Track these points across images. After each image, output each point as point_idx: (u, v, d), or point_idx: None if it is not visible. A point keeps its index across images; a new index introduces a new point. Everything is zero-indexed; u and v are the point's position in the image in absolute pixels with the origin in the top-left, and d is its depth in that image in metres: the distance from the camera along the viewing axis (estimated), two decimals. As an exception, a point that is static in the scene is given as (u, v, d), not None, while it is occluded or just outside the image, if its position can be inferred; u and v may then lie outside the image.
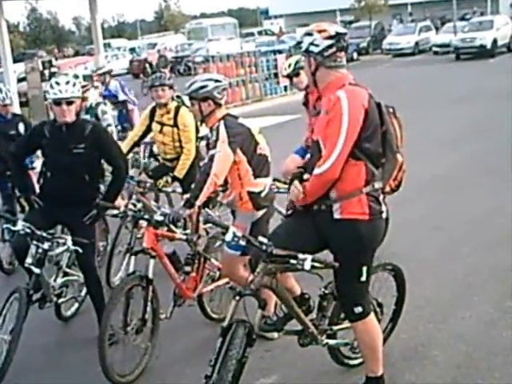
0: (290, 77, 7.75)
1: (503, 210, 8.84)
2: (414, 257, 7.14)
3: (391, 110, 4.41)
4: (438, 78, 26.45)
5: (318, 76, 4.40)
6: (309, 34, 4.36)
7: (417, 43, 41.23)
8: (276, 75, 25.98)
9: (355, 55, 40.59)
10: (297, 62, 7.57)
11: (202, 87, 5.46)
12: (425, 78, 26.93)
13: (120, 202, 6.54)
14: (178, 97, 7.88)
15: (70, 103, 5.68)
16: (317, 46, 4.31)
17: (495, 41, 34.30)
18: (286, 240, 4.39)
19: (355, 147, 4.20)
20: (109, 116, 9.79)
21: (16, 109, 12.99)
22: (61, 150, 5.76)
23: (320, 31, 4.33)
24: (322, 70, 4.36)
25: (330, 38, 4.31)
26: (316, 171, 4.26)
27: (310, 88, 7.62)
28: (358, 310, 4.44)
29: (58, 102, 5.68)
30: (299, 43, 4.45)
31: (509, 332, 5.50)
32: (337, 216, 4.31)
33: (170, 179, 7.57)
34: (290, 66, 7.65)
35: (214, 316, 6.13)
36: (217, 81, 5.56)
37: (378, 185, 4.34)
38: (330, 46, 4.30)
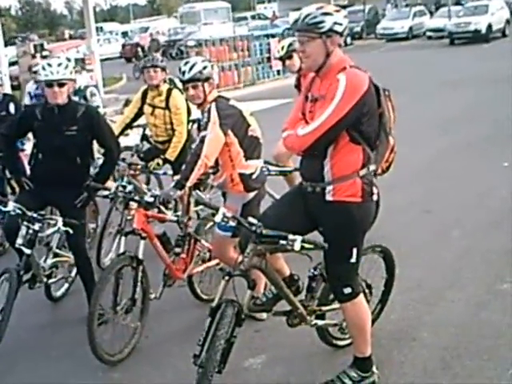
0: (282, 59, 7.72)
1: (494, 193, 8.87)
2: (404, 240, 7.15)
3: (387, 92, 4.38)
4: (432, 63, 26.42)
5: (331, 58, 4.22)
6: (327, 13, 4.15)
7: (411, 28, 41.14)
8: (269, 59, 25.97)
9: (349, 40, 40.45)
10: (290, 45, 7.54)
11: (205, 67, 5.43)
12: (418, 62, 26.90)
13: (111, 183, 6.53)
14: (170, 80, 7.85)
15: (61, 85, 5.66)
16: (340, 24, 4.18)
17: (490, 26, 34.22)
18: (276, 221, 4.39)
19: (355, 131, 4.18)
20: (98, 98, 9.75)
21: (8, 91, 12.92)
22: (53, 132, 5.74)
23: (337, 11, 4.20)
24: (335, 51, 4.23)
25: (345, 17, 4.25)
26: (299, 131, 4.22)
27: (302, 71, 7.61)
28: (348, 290, 4.44)
29: (49, 84, 5.65)
30: (316, 24, 4.13)
31: (498, 315, 5.52)
32: (329, 198, 4.30)
33: (161, 161, 7.55)
34: (282, 48, 7.63)
35: (203, 297, 6.15)
36: (209, 61, 5.57)
37: (372, 167, 4.34)
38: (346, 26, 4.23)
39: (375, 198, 4.38)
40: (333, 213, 4.32)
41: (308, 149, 4.22)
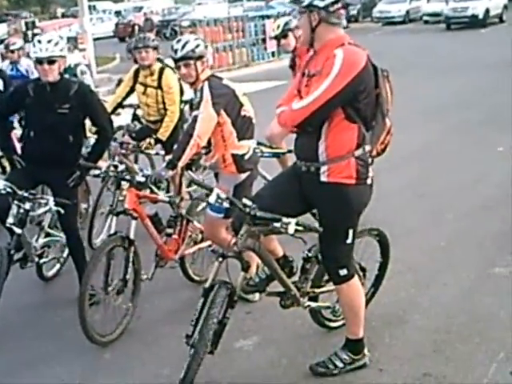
0: (277, 38, 7.68)
1: (488, 178, 8.88)
2: (397, 223, 7.13)
3: (385, 73, 4.32)
4: (428, 47, 26.37)
5: (318, 33, 4.20)
6: None
7: (407, 12, 40.97)
8: (264, 41, 25.87)
9: (345, 23, 40.20)
10: (286, 24, 7.49)
11: (198, 46, 5.37)
12: (414, 47, 26.86)
13: (102, 163, 6.49)
14: (160, 61, 7.78)
15: (51, 62, 5.59)
16: (322, 0, 4.14)
17: (487, 11, 34.08)
18: (271, 202, 4.37)
19: (351, 109, 4.14)
20: (88, 77, 9.65)
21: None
22: (45, 110, 5.68)
23: None
24: (324, 27, 4.18)
25: None
26: (293, 105, 4.19)
27: (297, 50, 7.57)
28: (343, 272, 4.43)
29: (39, 61, 5.59)
30: None
31: (490, 298, 5.52)
32: (323, 179, 4.26)
33: (152, 141, 7.51)
34: (278, 27, 7.57)
35: (195, 278, 6.13)
36: (202, 40, 5.53)
37: (367, 148, 4.30)
38: (335, 1, 4.16)
39: (369, 181, 4.35)
40: (327, 194, 4.29)
41: (301, 123, 4.18)
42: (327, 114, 4.13)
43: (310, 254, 4.78)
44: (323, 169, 4.25)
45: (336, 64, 4.05)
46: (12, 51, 9.90)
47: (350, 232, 4.34)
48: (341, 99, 4.08)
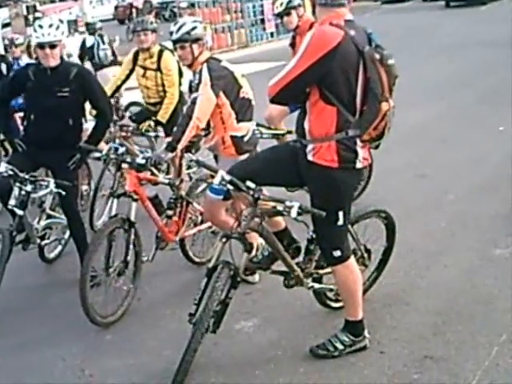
0: (280, 16, 7.65)
1: (489, 158, 8.86)
2: (398, 204, 7.10)
3: (378, 56, 4.22)
4: (427, 25, 26.25)
5: (317, 16, 4.34)
6: None
7: (407, -10, 40.73)
8: (262, 21, 25.77)
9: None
10: (289, 1, 7.46)
11: (194, 28, 5.40)
12: (413, 25, 26.74)
13: (103, 145, 6.49)
14: (160, 46, 7.77)
15: (53, 47, 5.60)
16: None
17: (487, -13, 33.80)
18: (265, 173, 4.45)
19: (325, 89, 4.14)
20: (75, 59, 9.65)
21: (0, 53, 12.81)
22: (45, 93, 5.71)
23: None
24: (318, 9, 4.29)
25: None
26: (270, 81, 4.28)
27: (298, 29, 7.55)
28: (337, 253, 4.43)
29: (41, 46, 5.60)
30: None
31: (491, 280, 5.51)
32: (310, 158, 4.29)
33: (152, 123, 7.50)
34: (281, 4, 7.54)
35: (195, 260, 6.14)
36: (200, 22, 5.54)
37: (352, 132, 4.23)
38: None
39: (359, 165, 4.31)
40: (315, 174, 4.32)
41: (275, 97, 4.29)
42: (298, 90, 4.23)
43: (314, 236, 4.78)
44: (309, 147, 4.28)
45: (304, 43, 4.16)
46: (16, 46, 10.19)
47: (340, 214, 4.33)
48: (310, 75, 4.13)
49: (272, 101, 4.36)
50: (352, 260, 4.56)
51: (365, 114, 4.25)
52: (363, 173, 4.42)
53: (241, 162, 4.89)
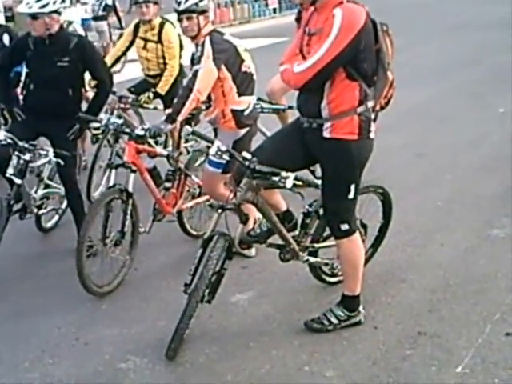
0: None
1: (488, 138, 8.87)
2: (396, 182, 7.09)
3: (385, 27, 4.27)
4: (431, 5, 26.10)
5: None
6: None
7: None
8: (265, -4, 25.62)
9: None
10: None
11: (201, 0, 5.33)
12: (416, 5, 26.56)
13: (102, 116, 6.46)
14: (162, 18, 7.73)
15: (35, 18, 5.57)
16: None
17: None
18: (271, 156, 4.38)
19: (352, 68, 4.10)
20: (77, 27, 9.60)
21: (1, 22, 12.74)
22: (45, 63, 5.70)
23: None
24: None
25: None
26: (295, 68, 4.15)
27: (304, 4, 7.47)
28: (345, 227, 4.43)
29: (33, 16, 5.59)
30: None
31: (486, 259, 5.54)
32: (326, 135, 4.25)
33: (151, 95, 7.47)
34: None
35: (192, 232, 6.15)
36: None
37: (370, 104, 4.27)
38: None
39: (372, 135, 4.34)
40: (330, 150, 4.28)
41: (304, 86, 4.17)
42: (328, 75, 4.10)
43: (310, 209, 4.79)
44: (326, 125, 4.23)
45: (335, 25, 4.00)
46: None
47: (352, 187, 4.33)
48: (342, 60, 4.04)
49: (300, 88, 4.25)
50: (357, 235, 4.56)
51: (376, 84, 4.27)
52: (373, 143, 4.41)
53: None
